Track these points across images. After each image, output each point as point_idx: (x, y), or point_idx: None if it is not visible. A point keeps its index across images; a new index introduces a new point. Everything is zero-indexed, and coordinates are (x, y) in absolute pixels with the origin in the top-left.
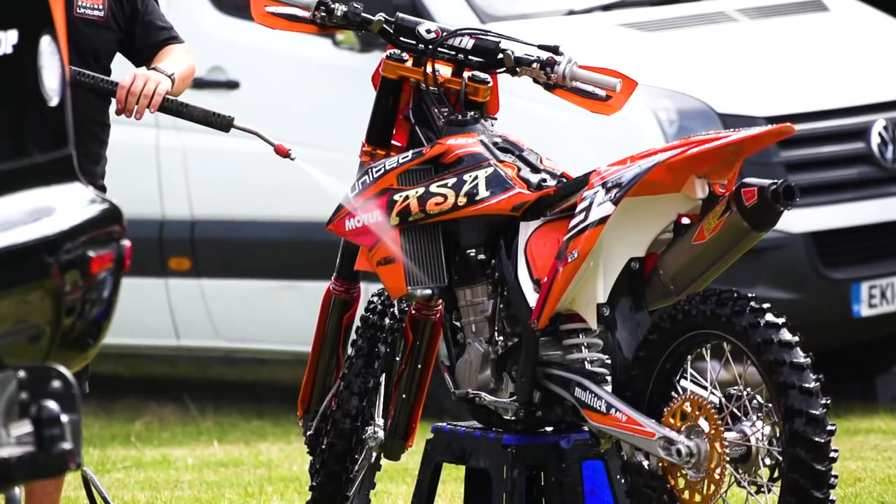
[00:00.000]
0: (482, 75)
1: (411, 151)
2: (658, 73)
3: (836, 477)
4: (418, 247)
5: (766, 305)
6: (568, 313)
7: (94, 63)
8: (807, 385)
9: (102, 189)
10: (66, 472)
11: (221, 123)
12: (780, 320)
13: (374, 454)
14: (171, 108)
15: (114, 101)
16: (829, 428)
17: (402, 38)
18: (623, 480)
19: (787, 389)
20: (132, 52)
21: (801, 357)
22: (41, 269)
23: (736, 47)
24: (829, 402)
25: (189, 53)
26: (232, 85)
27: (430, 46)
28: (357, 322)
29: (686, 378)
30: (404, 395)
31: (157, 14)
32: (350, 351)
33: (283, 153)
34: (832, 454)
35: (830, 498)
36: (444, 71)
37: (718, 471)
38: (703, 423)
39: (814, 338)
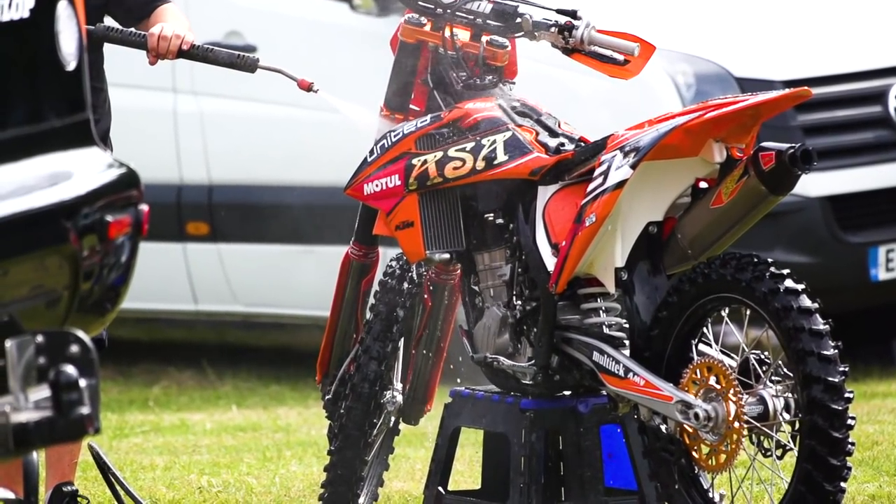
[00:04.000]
0: (500, 39)
1: (429, 115)
2: (675, 36)
3: (853, 444)
4: (436, 211)
5: (785, 271)
6: (586, 277)
7: None
8: (826, 352)
9: None
10: (85, 437)
11: (246, 65)
12: (800, 286)
13: (393, 418)
14: (198, 53)
15: (145, 54)
16: (846, 395)
17: (420, 2)
18: (641, 444)
19: (805, 356)
20: (122, 16)
21: (819, 324)
22: (59, 233)
23: (753, 11)
24: (847, 368)
25: (182, 14)
26: (249, 50)
27: (449, 10)
28: (375, 286)
29: (705, 342)
30: (423, 360)
31: None
32: (368, 315)
33: (306, 87)
34: (850, 421)
35: (848, 449)
36: (463, 35)
37: (738, 429)
38: (721, 386)
39: (831, 302)
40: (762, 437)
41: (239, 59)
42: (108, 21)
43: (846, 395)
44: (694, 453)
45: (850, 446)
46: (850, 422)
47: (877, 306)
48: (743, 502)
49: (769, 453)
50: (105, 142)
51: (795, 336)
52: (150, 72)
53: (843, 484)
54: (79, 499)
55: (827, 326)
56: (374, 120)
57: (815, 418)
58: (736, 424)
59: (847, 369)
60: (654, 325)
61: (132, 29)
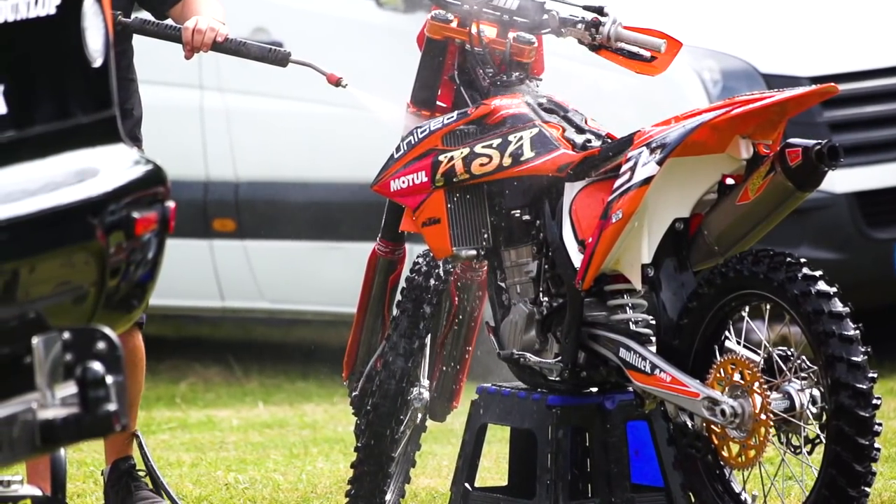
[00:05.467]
0: (527, 36)
1: (456, 112)
2: (702, 33)
3: (880, 424)
4: (463, 207)
5: (802, 260)
6: (612, 274)
7: None
8: (847, 333)
9: None
10: (112, 433)
11: (278, 58)
12: (817, 273)
13: (420, 415)
14: (231, 47)
15: (181, 47)
16: (870, 375)
17: None
18: (668, 441)
19: (827, 338)
20: (153, 4)
21: (839, 307)
22: (86, 230)
23: (779, 7)
24: (869, 349)
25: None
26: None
27: (476, 7)
28: (402, 283)
29: (729, 339)
30: (449, 357)
31: None
32: (395, 312)
33: (335, 81)
34: (875, 401)
35: (875, 446)
36: (489, 32)
37: (763, 428)
38: (746, 381)
39: (857, 298)
40: (790, 435)
41: (271, 52)
42: (144, 14)
43: (870, 375)
44: (723, 452)
45: (877, 426)
46: (875, 402)
47: None
48: (774, 499)
49: (798, 450)
50: (137, 129)
51: (815, 319)
52: (176, 68)
53: (873, 466)
54: (137, 472)
55: (847, 309)
56: (401, 115)
57: (841, 398)
58: (763, 417)
59: (869, 349)
60: (680, 323)
61: (167, 22)
